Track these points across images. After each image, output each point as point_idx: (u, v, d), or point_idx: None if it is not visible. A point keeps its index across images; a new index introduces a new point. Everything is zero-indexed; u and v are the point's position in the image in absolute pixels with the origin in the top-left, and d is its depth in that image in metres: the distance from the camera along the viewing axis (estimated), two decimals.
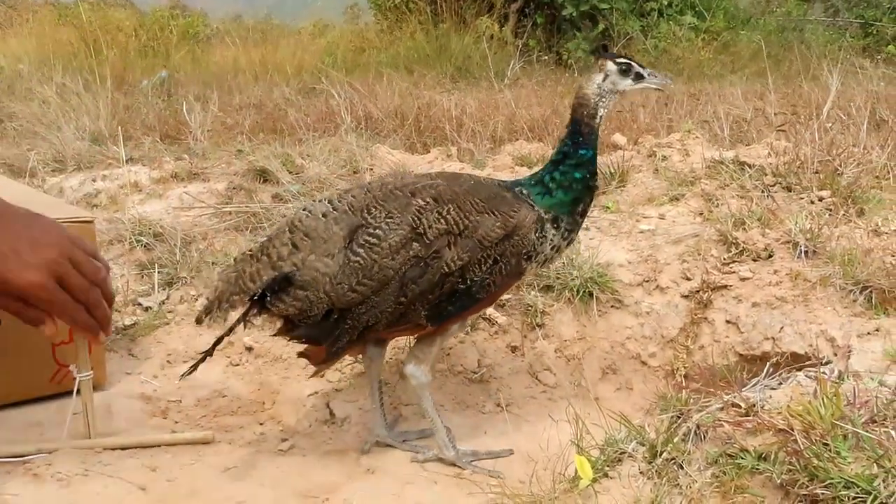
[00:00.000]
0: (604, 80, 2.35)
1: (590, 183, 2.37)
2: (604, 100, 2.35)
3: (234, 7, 16.09)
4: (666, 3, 11.72)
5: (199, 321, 2.38)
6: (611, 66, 2.35)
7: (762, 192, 3.60)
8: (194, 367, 2.40)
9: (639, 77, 2.38)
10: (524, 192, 2.35)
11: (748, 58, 10.21)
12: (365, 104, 6.33)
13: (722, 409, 2.02)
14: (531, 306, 3.10)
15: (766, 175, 3.75)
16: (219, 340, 2.41)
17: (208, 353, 2.40)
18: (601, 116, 2.37)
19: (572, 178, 2.33)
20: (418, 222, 2.19)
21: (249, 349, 3.08)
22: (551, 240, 2.33)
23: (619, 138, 5.01)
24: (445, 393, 2.86)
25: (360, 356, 2.61)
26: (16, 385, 2.67)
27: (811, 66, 7.62)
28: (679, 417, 2.05)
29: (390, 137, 5.66)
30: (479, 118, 5.88)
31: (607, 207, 3.78)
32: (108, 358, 3.05)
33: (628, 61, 2.37)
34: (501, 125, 5.75)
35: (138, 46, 9.86)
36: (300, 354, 2.53)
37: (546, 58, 10.64)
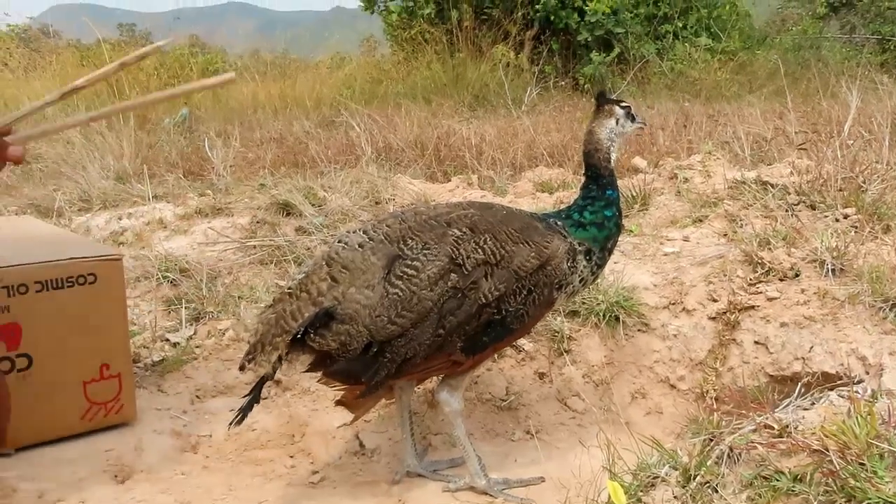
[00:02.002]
0: (616, 123, 2.44)
1: (619, 221, 2.43)
2: (615, 143, 2.45)
3: (252, 43, 16.30)
4: (681, 25, 11.76)
5: (242, 368, 2.33)
6: (619, 110, 2.45)
7: (786, 211, 3.58)
8: (243, 415, 2.32)
9: (634, 118, 2.49)
10: (557, 223, 2.37)
11: (765, 77, 10.20)
12: (384, 135, 6.37)
13: (755, 430, 2.00)
14: (557, 332, 3.10)
15: (789, 194, 3.73)
16: (262, 382, 2.34)
17: (254, 398, 2.32)
18: (615, 159, 2.45)
19: (604, 217, 2.39)
20: (456, 253, 2.18)
21: (277, 382, 3.08)
22: (581, 271, 2.35)
23: (639, 161, 5.01)
24: (474, 421, 2.85)
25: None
26: (48, 424, 2.68)
27: (829, 83, 7.59)
28: (711, 440, 2.03)
29: (411, 167, 5.68)
30: (499, 145, 5.90)
31: (631, 231, 3.78)
32: (137, 395, 3.07)
33: (628, 104, 2.47)
34: (521, 152, 5.76)
35: (159, 85, 9.96)
36: (338, 403, 2.53)
37: (563, 83, 10.68)
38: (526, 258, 2.22)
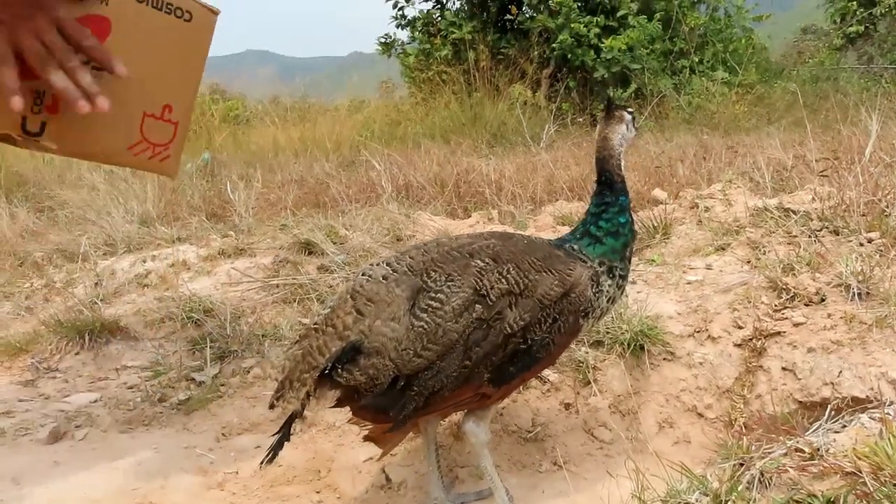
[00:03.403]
0: (626, 129, 2.45)
1: (632, 227, 2.43)
2: (624, 148, 2.46)
3: (272, 89, 16.49)
4: (697, 60, 11.81)
5: (271, 406, 2.31)
6: (627, 116, 2.47)
7: (809, 236, 3.56)
8: (274, 454, 2.30)
9: (636, 125, 2.53)
10: (574, 247, 2.37)
11: (784, 109, 10.20)
12: (404, 173, 6.41)
13: (785, 454, 1.98)
14: (582, 362, 3.08)
15: (811, 220, 3.71)
16: (291, 419, 2.29)
17: (284, 436, 2.30)
18: (624, 164, 2.46)
19: (618, 224, 2.38)
20: (480, 284, 2.17)
21: (303, 418, 3.07)
22: (607, 291, 2.34)
23: (659, 193, 5.01)
24: (501, 453, 2.83)
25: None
26: (95, 139, 2.49)
27: (849, 113, 7.58)
28: (741, 465, 2.01)
29: (431, 204, 5.71)
30: (518, 181, 5.92)
31: (652, 261, 3.77)
32: (162, 434, 3.09)
33: (633, 110, 2.51)
34: (540, 186, 5.78)
35: None
36: (366, 438, 2.52)
37: (580, 120, 10.73)
38: (550, 287, 2.21)
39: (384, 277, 2.22)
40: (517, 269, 2.20)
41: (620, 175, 2.43)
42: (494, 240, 2.32)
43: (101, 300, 4.33)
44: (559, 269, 2.25)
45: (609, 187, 2.41)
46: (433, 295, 2.16)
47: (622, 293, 2.46)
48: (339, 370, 2.15)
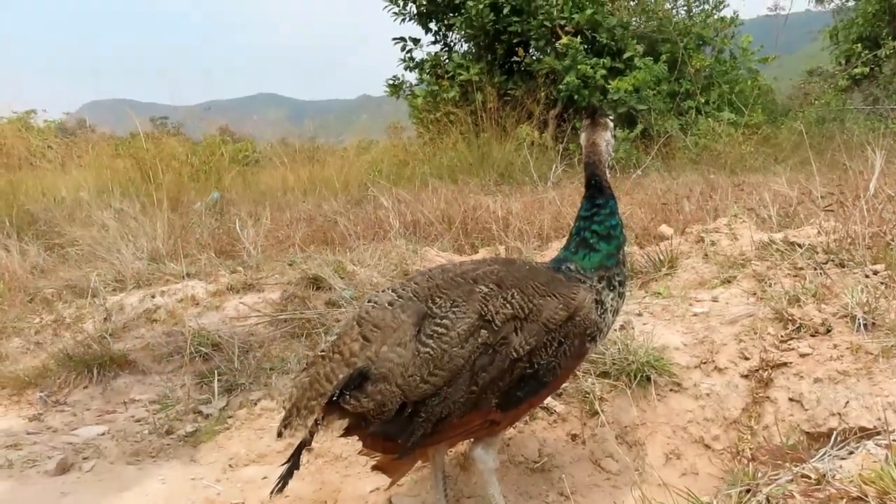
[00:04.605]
0: (610, 135, 2.50)
1: (622, 230, 2.46)
2: (610, 153, 2.51)
3: (280, 130, 16.61)
4: (703, 101, 11.89)
5: (279, 434, 2.28)
6: (610, 122, 2.52)
7: (815, 269, 3.57)
8: (284, 483, 2.28)
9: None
10: (571, 267, 2.38)
11: (790, 149, 10.22)
12: (412, 211, 6.45)
13: (792, 480, 1.98)
14: (589, 393, 3.08)
15: (817, 253, 3.73)
16: (300, 448, 2.30)
17: (294, 465, 2.29)
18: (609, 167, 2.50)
19: (610, 226, 2.41)
20: (485, 309, 2.17)
21: (309, 449, 3.08)
22: (611, 305, 2.35)
23: (665, 229, 5.03)
24: (508, 483, 2.82)
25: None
26: None
27: (854, 152, 7.61)
28: (748, 491, 2.01)
29: (438, 240, 5.73)
30: (525, 217, 5.95)
31: (659, 293, 3.78)
32: (170, 465, 3.09)
33: (613, 116, 2.56)
34: (547, 223, 5.81)
35: (191, 171, 10.18)
36: (374, 468, 2.51)
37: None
38: (554, 310, 2.22)
39: (390, 304, 2.23)
40: (521, 293, 2.21)
41: (607, 179, 2.47)
42: (498, 266, 2.34)
43: (109, 335, 4.35)
44: (563, 292, 2.26)
45: (599, 191, 2.44)
46: (438, 321, 2.16)
47: (623, 300, 2.47)
48: (347, 397, 2.14)
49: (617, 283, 2.40)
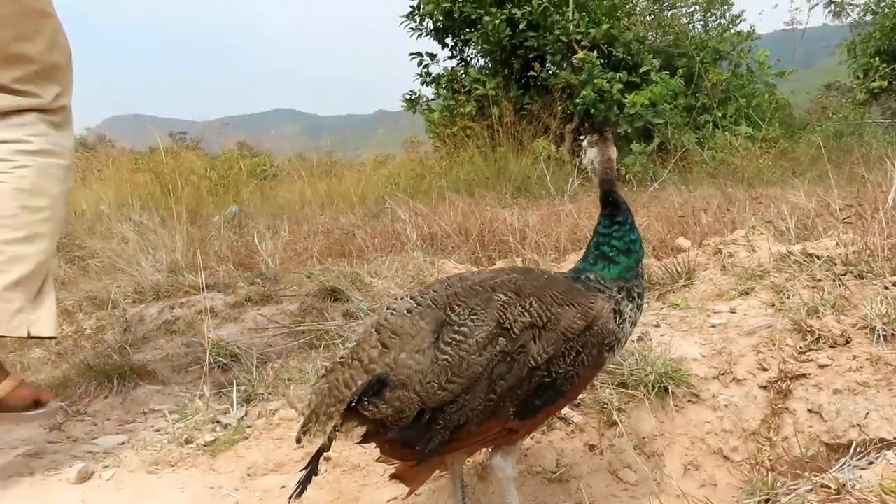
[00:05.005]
0: (615, 148, 2.49)
1: (642, 244, 2.45)
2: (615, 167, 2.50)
3: (298, 145, 16.73)
4: (720, 114, 11.90)
5: (298, 440, 2.27)
6: (610, 135, 2.50)
7: (833, 281, 3.56)
8: (303, 488, 2.25)
9: None
10: (591, 277, 2.38)
11: (808, 163, 10.21)
12: (429, 223, 6.47)
13: (811, 490, 1.98)
14: (606, 404, 3.08)
15: (835, 265, 3.72)
16: (319, 454, 2.27)
17: (312, 470, 2.26)
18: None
19: (629, 241, 2.40)
20: (504, 317, 2.16)
21: (327, 458, 3.09)
22: (630, 316, 2.35)
23: (683, 242, 5.03)
24: (525, 494, 2.82)
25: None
26: None
27: (872, 166, 7.59)
28: (767, 501, 2.01)
29: (455, 252, 5.75)
30: (542, 230, 5.96)
31: (676, 305, 3.78)
32: (189, 473, 3.11)
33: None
34: (564, 235, 5.81)
35: (210, 185, 10.27)
36: (392, 476, 2.51)
37: None
38: (572, 320, 2.22)
39: (408, 311, 2.23)
40: (539, 302, 2.21)
41: (622, 194, 2.46)
42: (516, 274, 2.34)
43: (129, 346, 4.39)
44: (581, 302, 2.26)
45: (617, 208, 2.43)
46: (457, 328, 2.16)
47: (641, 312, 2.47)
48: (366, 403, 2.14)
49: (636, 295, 2.39)
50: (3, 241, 2.99)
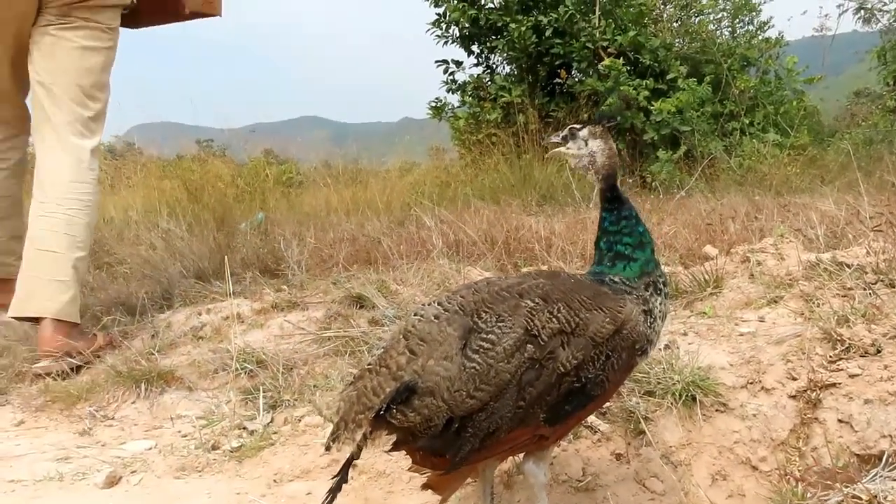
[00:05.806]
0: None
1: (649, 234, 2.43)
2: None
3: (324, 152, 16.79)
4: (747, 122, 11.80)
5: (327, 448, 2.27)
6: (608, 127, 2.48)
7: (864, 289, 3.52)
8: (333, 496, 2.24)
9: None
10: (616, 279, 2.36)
11: (837, 171, 10.09)
12: (455, 231, 6.46)
13: (842, 501, 1.95)
14: (633, 412, 3.06)
15: (866, 273, 3.68)
16: (349, 462, 2.26)
17: (342, 479, 2.25)
18: None
19: (640, 234, 2.38)
20: (532, 324, 2.15)
21: (354, 465, 3.09)
22: (660, 309, 2.33)
23: (710, 250, 5.00)
24: (552, 502, 2.80)
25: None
26: None
27: None
28: None
29: (481, 260, 5.74)
30: (568, 237, 5.93)
31: (704, 313, 3.75)
32: (215, 479, 3.12)
33: None
34: (590, 243, 5.77)
35: (236, 193, 10.31)
36: (424, 486, 2.49)
37: (630, 181, 10.75)
38: (601, 324, 2.21)
39: (436, 317, 2.21)
40: (567, 307, 2.20)
41: (619, 186, 2.43)
42: (543, 279, 2.32)
43: (157, 351, 4.42)
44: (609, 306, 2.25)
45: (620, 202, 2.40)
46: (484, 336, 2.14)
47: (668, 301, 2.44)
48: (394, 411, 2.11)
49: (661, 285, 2.37)
50: (79, 258, 4.53)
